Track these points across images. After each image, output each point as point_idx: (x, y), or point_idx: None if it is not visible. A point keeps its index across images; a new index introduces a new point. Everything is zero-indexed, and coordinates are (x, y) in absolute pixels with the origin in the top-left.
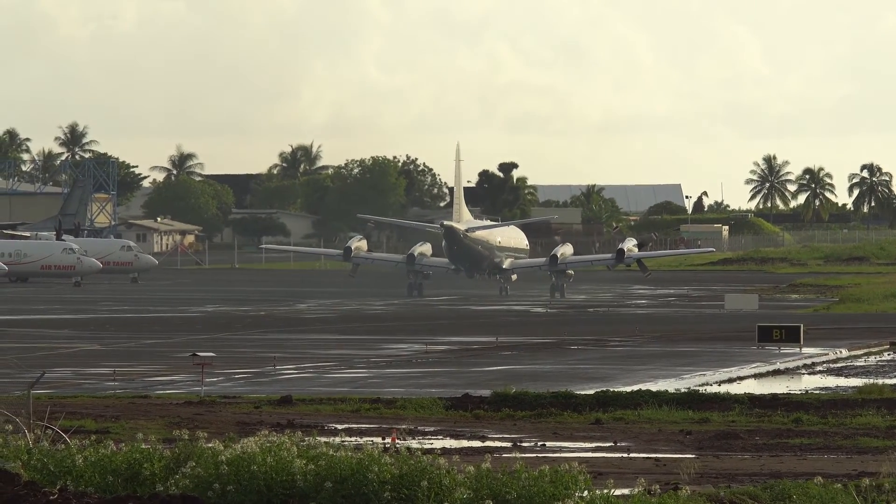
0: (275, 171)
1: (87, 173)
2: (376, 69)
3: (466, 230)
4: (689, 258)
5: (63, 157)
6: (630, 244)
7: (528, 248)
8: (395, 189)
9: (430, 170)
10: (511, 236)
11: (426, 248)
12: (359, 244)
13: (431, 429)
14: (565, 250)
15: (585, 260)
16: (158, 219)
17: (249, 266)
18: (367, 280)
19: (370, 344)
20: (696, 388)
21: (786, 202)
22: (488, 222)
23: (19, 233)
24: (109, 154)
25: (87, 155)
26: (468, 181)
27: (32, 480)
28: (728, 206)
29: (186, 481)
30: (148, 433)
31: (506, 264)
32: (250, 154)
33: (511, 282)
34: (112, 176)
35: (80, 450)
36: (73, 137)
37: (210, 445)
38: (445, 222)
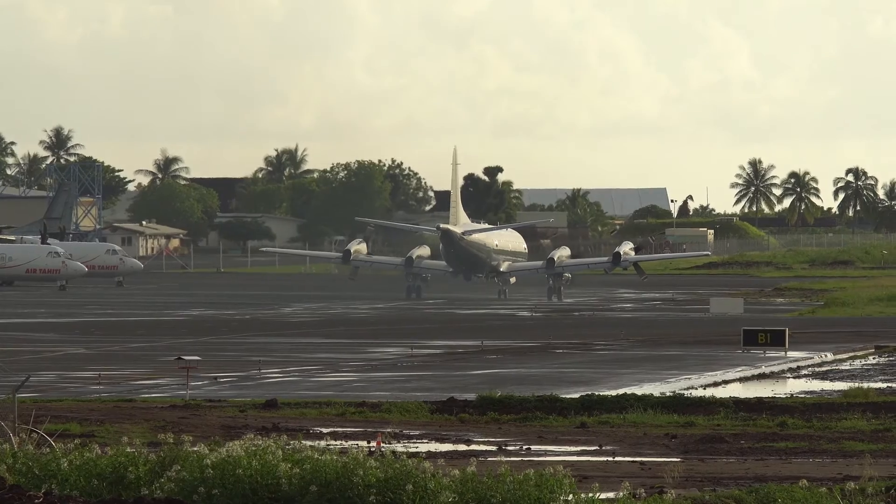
0: (260, 175)
1: (72, 177)
2: (364, 73)
3: (464, 233)
4: (674, 262)
5: (48, 161)
6: (626, 247)
7: (527, 251)
8: (380, 193)
9: (416, 174)
10: (509, 239)
11: (424, 250)
12: (358, 247)
13: (416, 432)
14: (562, 253)
15: (582, 263)
16: (144, 222)
17: (235, 270)
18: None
19: (355, 348)
20: (682, 391)
21: (771, 206)
22: (486, 225)
23: (4, 236)
24: (94, 158)
25: (72, 159)
26: None
27: (17, 484)
28: (713, 209)
29: (171, 485)
30: (133, 437)
31: (503, 267)
32: (236, 158)
33: (510, 285)
34: (97, 179)
35: (65, 453)
36: (59, 141)
37: (195, 449)
38: (442, 225)
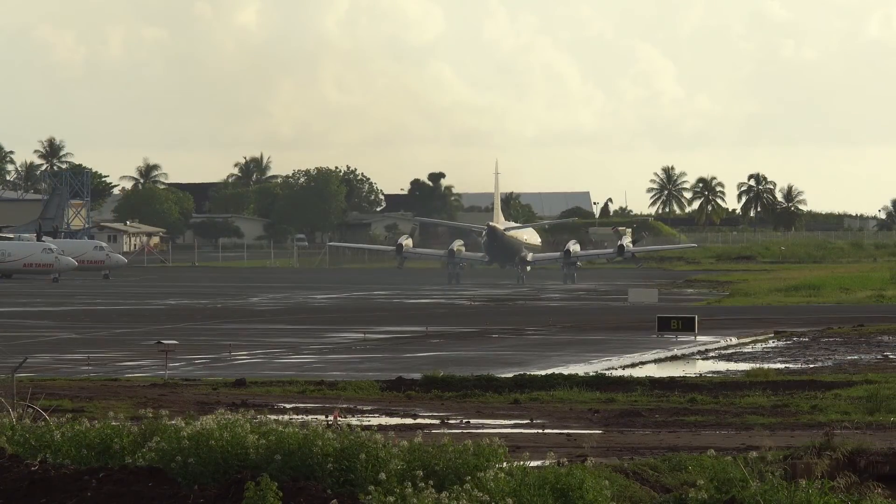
0: (230, 180)
1: (64, 182)
2: (334, 90)
3: (505, 230)
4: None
5: (43, 168)
6: (626, 241)
7: (542, 244)
8: (336, 196)
9: (368, 179)
10: (531, 236)
11: (461, 244)
12: (406, 242)
13: (369, 408)
14: (575, 247)
15: (591, 254)
16: (127, 222)
17: (208, 264)
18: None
19: (315, 333)
20: (603, 371)
21: (682, 207)
22: (516, 224)
23: (4, 235)
24: (84, 165)
25: (64, 166)
26: (401, 189)
27: (16, 454)
28: (631, 210)
29: (152, 454)
30: (118, 412)
31: (529, 258)
32: (209, 165)
33: (527, 273)
34: (86, 184)
35: (58, 426)
36: (52, 150)
37: (173, 423)
38: (490, 223)
